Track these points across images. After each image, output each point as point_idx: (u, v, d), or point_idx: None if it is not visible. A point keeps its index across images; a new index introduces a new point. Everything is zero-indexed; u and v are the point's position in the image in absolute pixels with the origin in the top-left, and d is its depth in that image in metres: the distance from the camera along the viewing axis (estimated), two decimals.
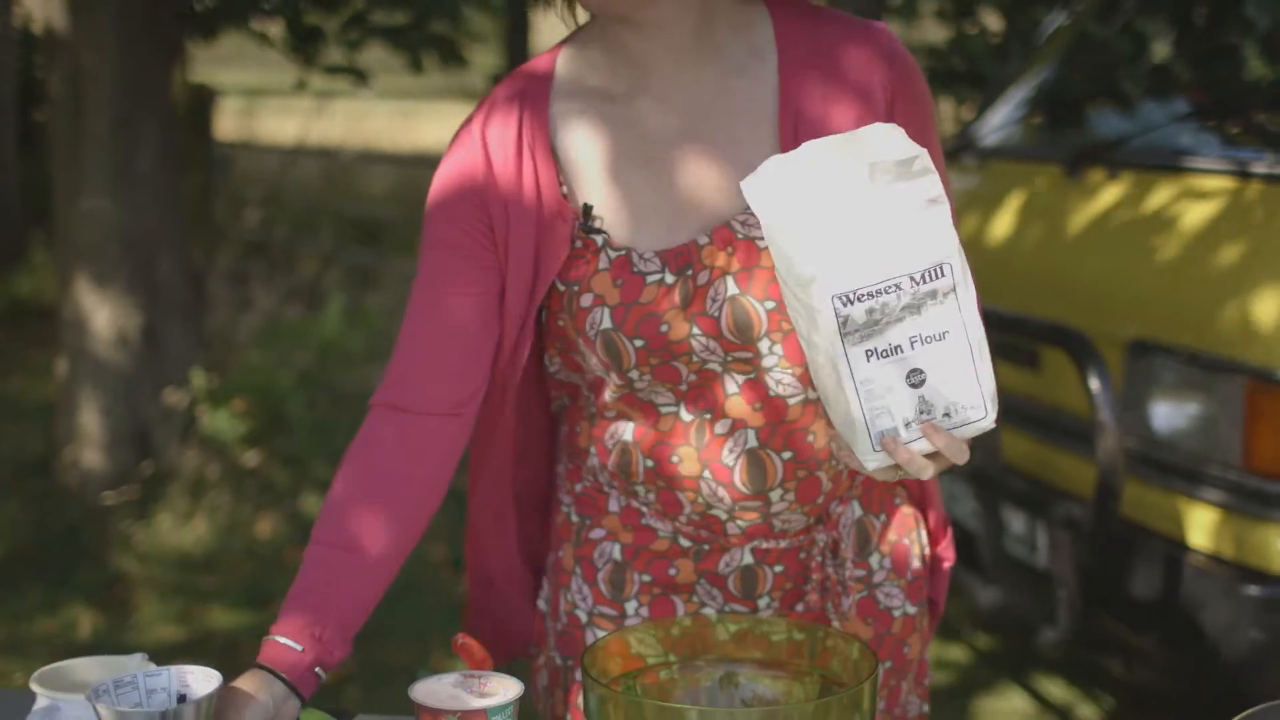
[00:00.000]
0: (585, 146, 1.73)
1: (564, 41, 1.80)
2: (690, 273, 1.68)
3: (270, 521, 5.52)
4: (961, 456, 1.53)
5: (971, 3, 5.47)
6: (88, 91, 5.59)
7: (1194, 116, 4.24)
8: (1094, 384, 3.22)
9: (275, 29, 6.30)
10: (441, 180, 1.76)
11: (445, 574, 5.12)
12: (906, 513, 1.92)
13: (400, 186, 10.84)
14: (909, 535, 1.91)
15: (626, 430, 1.78)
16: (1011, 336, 3.74)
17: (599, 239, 1.70)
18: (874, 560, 1.87)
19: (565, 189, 1.72)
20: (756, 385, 1.72)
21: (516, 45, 8.39)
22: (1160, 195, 3.63)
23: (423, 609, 4.81)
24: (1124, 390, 3.45)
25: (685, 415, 1.74)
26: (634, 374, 1.72)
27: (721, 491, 1.76)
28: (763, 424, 1.73)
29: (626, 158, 1.71)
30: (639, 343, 1.69)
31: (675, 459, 1.75)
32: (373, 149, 12.13)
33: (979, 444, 1.58)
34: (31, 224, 9.60)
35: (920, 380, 1.51)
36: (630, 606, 1.85)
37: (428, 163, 10.90)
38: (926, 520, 1.96)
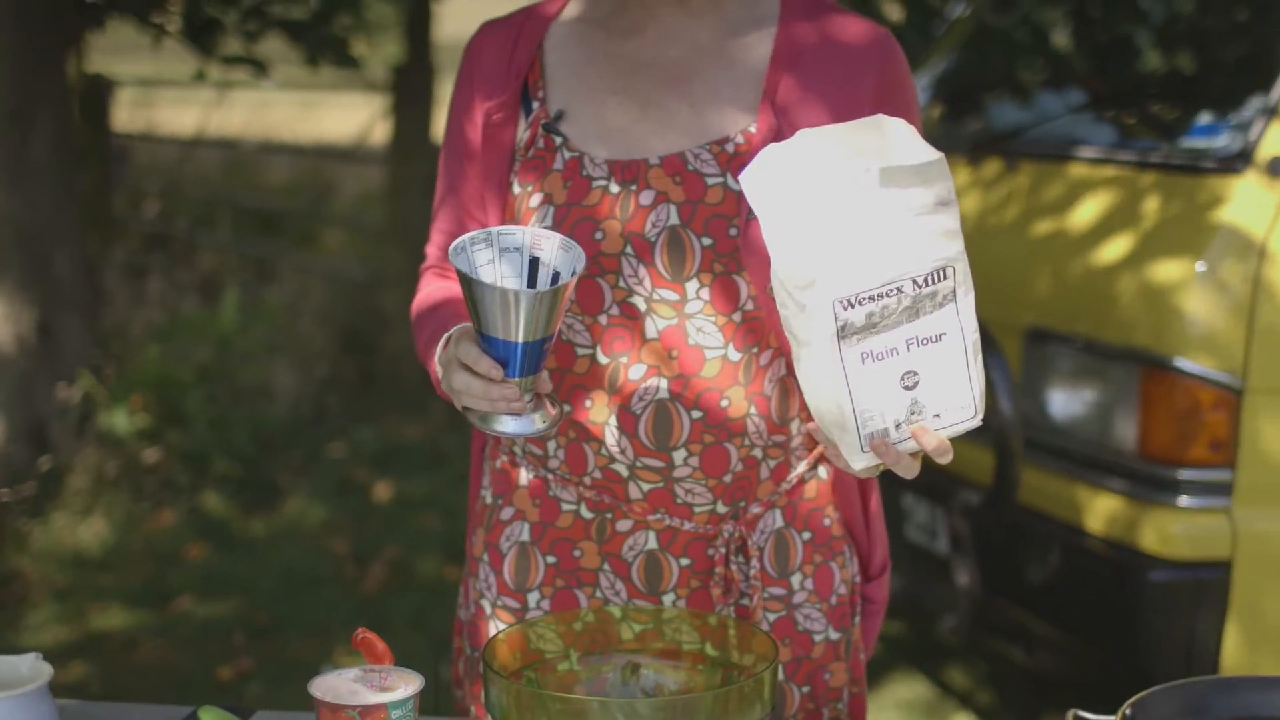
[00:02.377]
0: (571, 61, 1.83)
1: None
2: (634, 188, 1.74)
3: (169, 518, 5.45)
4: (946, 457, 1.56)
5: None
6: None
7: (1090, 107, 4.29)
8: (992, 372, 3.25)
9: (173, 20, 6.21)
10: (459, 71, 1.90)
11: (348, 568, 5.09)
12: (836, 535, 1.89)
13: (301, 178, 10.75)
14: (835, 559, 1.89)
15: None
16: None
17: (558, 139, 1.78)
18: (795, 580, 1.86)
19: (542, 93, 1.82)
20: (676, 332, 1.74)
21: (418, 35, 8.33)
22: (1057, 185, 3.68)
23: (325, 603, 4.77)
24: (1022, 378, 3.49)
25: (601, 358, 1.76)
26: None
27: (625, 442, 1.77)
28: (676, 374, 1.75)
29: (606, 79, 1.81)
30: None
31: (588, 403, 1.77)
32: (273, 140, 12.01)
33: None
34: None
35: (914, 382, 1.51)
36: (532, 598, 1.86)
37: (329, 154, 10.83)
38: (869, 557, 1.94)
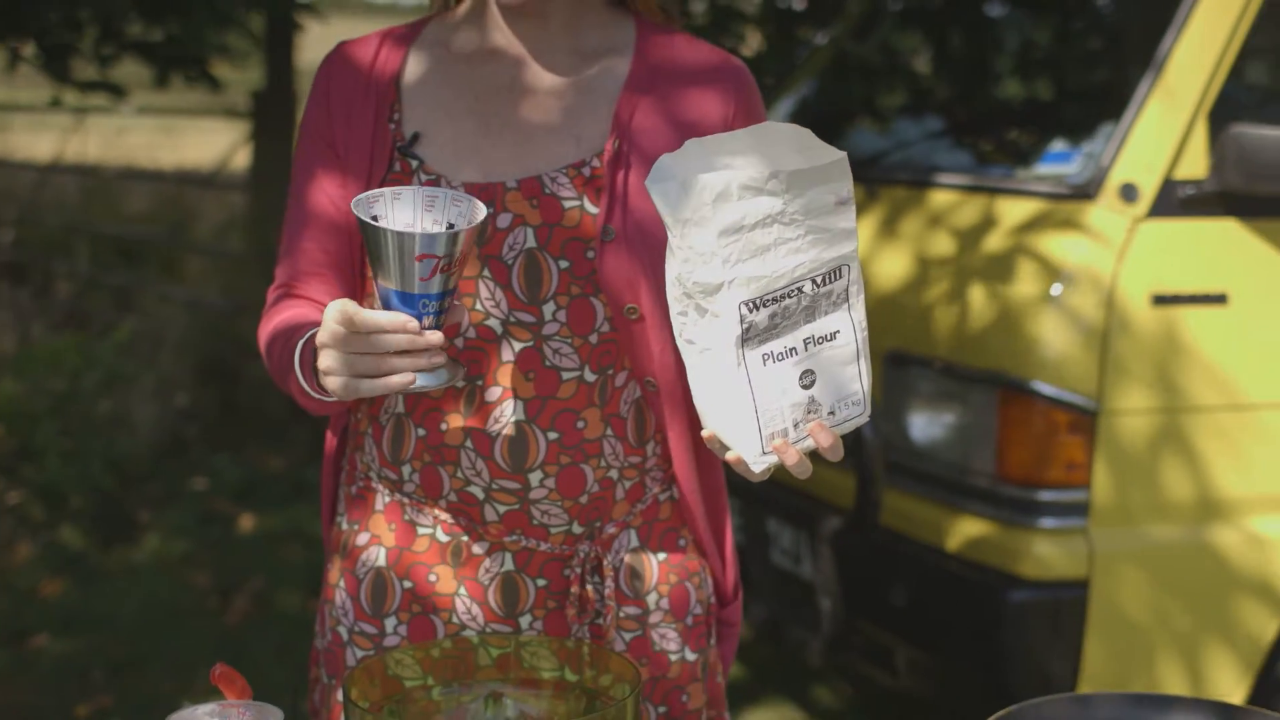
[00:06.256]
0: (427, 85, 1.83)
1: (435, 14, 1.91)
2: (492, 211, 1.73)
3: (24, 554, 5.33)
4: (838, 454, 1.57)
5: (729, 21, 5.55)
6: None
7: (948, 134, 4.35)
8: None
9: (27, 44, 6.08)
10: (312, 90, 1.87)
11: (210, 601, 5.00)
12: (691, 556, 1.90)
13: (162, 205, 10.59)
14: (691, 579, 1.89)
15: (399, 403, 1.81)
16: None
17: (414, 162, 1.77)
18: (650, 599, 1.86)
19: (398, 116, 1.80)
20: (532, 355, 1.75)
21: (279, 61, 8.25)
22: (916, 211, 3.72)
23: (187, 637, 4.69)
24: (882, 401, 3.52)
25: (458, 381, 1.75)
26: None
27: (481, 465, 1.76)
28: (533, 396, 1.75)
29: (463, 103, 1.81)
30: None
31: (444, 427, 1.77)
32: (133, 166, 11.84)
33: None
34: None
35: (811, 381, 1.53)
36: (389, 624, 1.85)
37: (190, 180, 10.70)
38: (724, 579, 1.94)
